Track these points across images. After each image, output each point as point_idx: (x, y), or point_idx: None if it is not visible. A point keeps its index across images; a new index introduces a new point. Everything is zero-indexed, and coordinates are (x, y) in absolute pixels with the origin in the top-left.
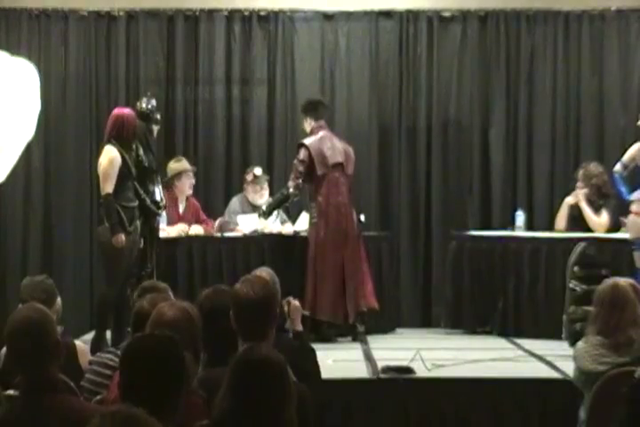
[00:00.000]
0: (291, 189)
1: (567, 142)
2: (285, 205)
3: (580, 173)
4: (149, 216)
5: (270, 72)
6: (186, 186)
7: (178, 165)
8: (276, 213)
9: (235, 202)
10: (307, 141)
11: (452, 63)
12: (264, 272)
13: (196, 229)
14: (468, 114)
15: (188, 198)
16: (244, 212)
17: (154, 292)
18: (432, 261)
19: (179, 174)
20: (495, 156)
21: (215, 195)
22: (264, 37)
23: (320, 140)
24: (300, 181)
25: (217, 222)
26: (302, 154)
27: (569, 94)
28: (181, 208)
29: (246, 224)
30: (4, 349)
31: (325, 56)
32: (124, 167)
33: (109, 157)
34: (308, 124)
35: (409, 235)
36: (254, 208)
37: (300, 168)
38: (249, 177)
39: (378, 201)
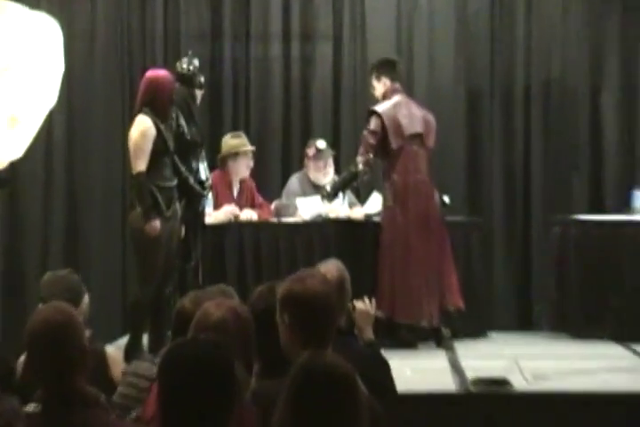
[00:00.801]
0: (360, 166)
1: None
2: (354, 184)
3: None
4: (193, 198)
5: (336, 26)
6: (243, 167)
7: (236, 142)
8: (342, 194)
9: (294, 182)
10: (379, 108)
11: (554, 13)
12: (331, 265)
13: (249, 214)
14: (574, 75)
15: (243, 180)
16: (304, 193)
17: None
18: (531, 251)
19: (236, 154)
20: (608, 124)
21: (271, 173)
22: None
23: (395, 106)
24: (372, 155)
25: (273, 206)
26: (373, 123)
27: None
28: (235, 192)
29: (307, 208)
30: (23, 356)
31: (402, 7)
32: (160, 140)
33: (142, 128)
34: (382, 86)
35: (503, 220)
36: (317, 189)
37: (372, 140)
38: (311, 151)
39: (465, 180)
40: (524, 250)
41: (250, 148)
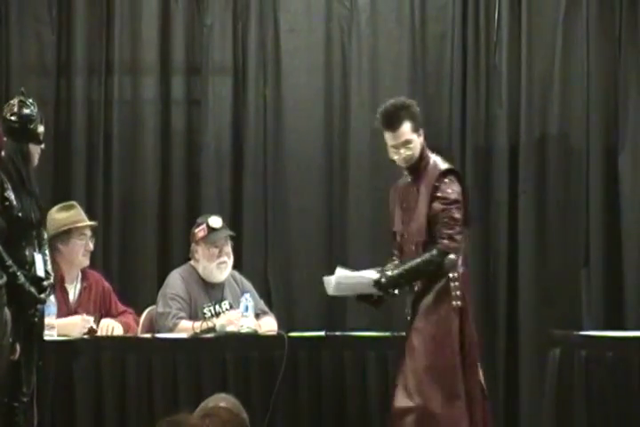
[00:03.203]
0: (451, 256)
1: None
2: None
3: None
4: (25, 304)
5: (237, 58)
6: (77, 252)
7: (65, 215)
8: (247, 297)
9: (175, 279)
10: (449, 166)
11: (552, 40)
12: (223, 402)
13: (109, 325)
14: (580, 129)
15: (85, 273)
16: (190, 295)
17: None
18: (519, 378)
19: (66, 233)
20: (628, 197)
21: (141, 267)
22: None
23: None
24: (459, 236)
25: (144, 316)
26: (455, 189)
27: None
28: (72, 292)
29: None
30: None
31: (332, 31)
32: None
33: None
34: (420, 141)
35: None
36: (210, 288)
37: (457, 214)
38: (201, 232)
39: None
40: (505, 377)
41: (87, 223)
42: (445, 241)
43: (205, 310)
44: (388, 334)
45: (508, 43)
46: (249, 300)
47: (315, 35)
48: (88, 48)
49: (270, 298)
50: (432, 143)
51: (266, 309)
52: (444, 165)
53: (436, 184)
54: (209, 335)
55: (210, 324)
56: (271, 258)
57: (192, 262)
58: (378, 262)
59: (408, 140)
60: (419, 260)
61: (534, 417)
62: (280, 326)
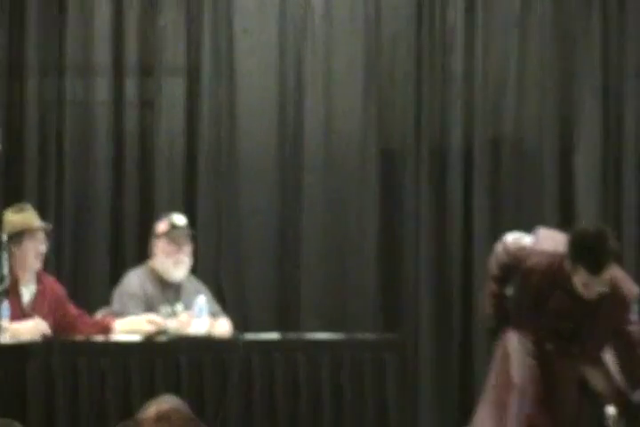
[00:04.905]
0: None
1: None
2: None
3: None
4: None
5: (191, 58)
6: (29, 255)
7: (19, 218)
8: (201, 299)
9: (132, 279)
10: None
11: (507, 41)
12: (165, 404)
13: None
14: (534, 130)
15: (40, 276)
16: (147, 295)
17: None
18: (472, 383)
19: (19, 235)
20: (582, 201)
21: (94, 267)
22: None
23: None
24: None
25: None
26: None
27: None
28: (26, 295)
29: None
30: None
31: (288, 30)
32: None
33: None
34: None
35: (432, 339)
36: (168, 287)
37: None
38: (162, 227)
39: (378, 278)
40: (463, 382)
41: (40, 225)
42: None
43: (161, 310)
44: (341, 335)
45: (463, 43)
46: (203, 302)
47: (269, 35)
48: (40, 49)
49: (224, 300)
50: (386, 145)
51: (220, 311)
52: (635, 290)
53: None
54: (161, 338)
55: (163, 326)
56: (224, 260)
57: (150, 261)
58: (329, 262)
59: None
60: None
61: None
62: (234, 327)
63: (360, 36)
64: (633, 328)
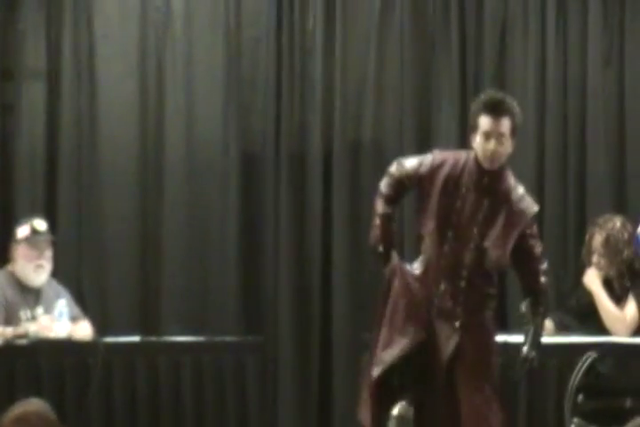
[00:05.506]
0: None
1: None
2: None
3: (597, 236)
4: None
5: (52, 61)
6: None
7: None
8: (61, 302)
9: None
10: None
11: (367, 46)
12: (28, 406)
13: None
14: (394, 131)
15: None
16: (7, 299)
17: None
18: (332, 388)
19: None
20: None
21: None
22: None
23: None
24: None
25: None
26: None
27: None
28: None
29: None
30: None
31: (149, 31)
32: None
33: None
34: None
35: (293, 342)
36: (27, 292)
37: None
38: (23, 231)
39: (238, 280)
40: (322, 382)
41: None
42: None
43: (21, 315)
44: (202, 338)
45: (323, 48)
46: (64, 305)
47: (129, 40)
48: None
49: (85, 303)
50: (246, 149)
51: (81, 314)
52: (534, 207)
53: (528, 231)
54: (22, 341)
55: (22, 329)
56: (85, 263)
57: (9, 265)
58: (190, 266)
59: (502, 133)
60: None
61: (348, 416)
62: (95, 331)
63: (220, 40)
64: (533, 242)
